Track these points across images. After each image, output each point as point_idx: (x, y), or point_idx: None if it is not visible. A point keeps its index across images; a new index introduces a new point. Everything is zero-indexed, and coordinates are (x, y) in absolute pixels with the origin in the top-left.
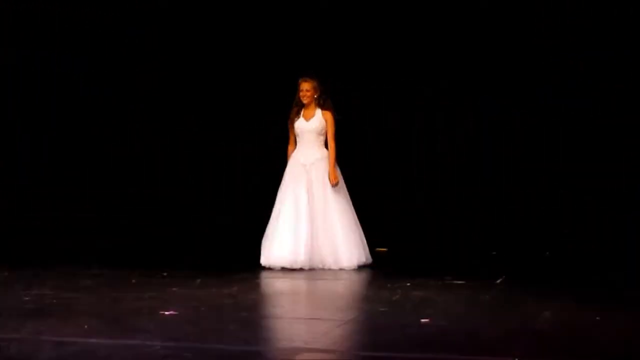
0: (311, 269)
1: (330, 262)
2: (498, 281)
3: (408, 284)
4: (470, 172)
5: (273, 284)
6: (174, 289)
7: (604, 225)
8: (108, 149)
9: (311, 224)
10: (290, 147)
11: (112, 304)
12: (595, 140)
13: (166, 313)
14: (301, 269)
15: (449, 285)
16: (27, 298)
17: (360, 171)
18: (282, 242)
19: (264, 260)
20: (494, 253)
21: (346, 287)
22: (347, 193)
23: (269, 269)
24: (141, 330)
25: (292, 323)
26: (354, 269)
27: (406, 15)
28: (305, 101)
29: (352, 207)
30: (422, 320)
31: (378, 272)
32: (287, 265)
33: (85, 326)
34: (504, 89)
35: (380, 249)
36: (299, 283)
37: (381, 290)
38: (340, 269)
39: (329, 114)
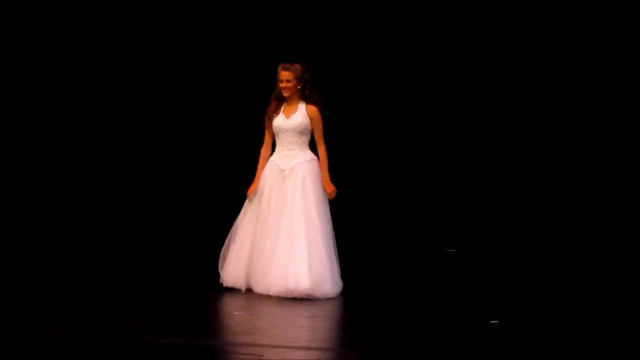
0: (274, 295)
1: (295, 285)
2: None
3: (478, 285)
4: (535, 171)
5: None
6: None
7: None
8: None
9: (285, 240)
10: (264, 150)
11: (179, 303)
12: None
13: (235, 313)
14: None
15: (519, 287)
16: (92, 295)
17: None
18: (242, 262)
19: (229, 282)
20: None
21: (414, 288)
22: (328, 208)
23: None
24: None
25: (359, 322)
26: (327, 298)
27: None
28: (285, 94)
29: (332, 226)
30: (492, 321)
31: (447, 273)
32: (246, 286)
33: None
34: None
35: (449, 250)
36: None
37: (450, 291)
38: (308, 297)
39: (314, 110)
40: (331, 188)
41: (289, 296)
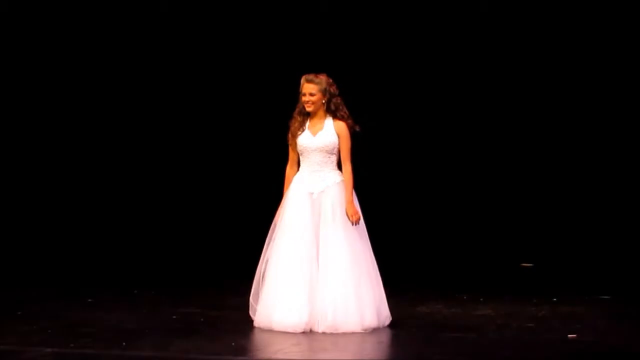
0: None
1: (331, 320)
2: None
3: (554, 300)
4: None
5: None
6: None
7: None
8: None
9: (316, 273)
10: (289, 169)
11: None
12: None
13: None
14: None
15: (596, 300)
16: (174, 317)
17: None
18: (289, 302)
19: (262, 322)
20: None
21: (490, 303)
22: (365, 231)
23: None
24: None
25: (437, 337)
26: (363, 332)
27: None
28: (309, 109)
29: (371, 249)
30: (570, 335)
31: (524, 287)
32: (294, 328)
33: (233, 344)
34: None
35: (526, 264)
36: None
37: (527, 306)
38: (343, 332)
39: (343, 126)
40: (353, 210)
41: (347, 332)
